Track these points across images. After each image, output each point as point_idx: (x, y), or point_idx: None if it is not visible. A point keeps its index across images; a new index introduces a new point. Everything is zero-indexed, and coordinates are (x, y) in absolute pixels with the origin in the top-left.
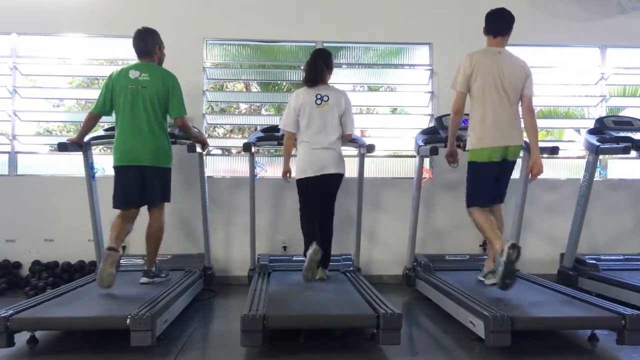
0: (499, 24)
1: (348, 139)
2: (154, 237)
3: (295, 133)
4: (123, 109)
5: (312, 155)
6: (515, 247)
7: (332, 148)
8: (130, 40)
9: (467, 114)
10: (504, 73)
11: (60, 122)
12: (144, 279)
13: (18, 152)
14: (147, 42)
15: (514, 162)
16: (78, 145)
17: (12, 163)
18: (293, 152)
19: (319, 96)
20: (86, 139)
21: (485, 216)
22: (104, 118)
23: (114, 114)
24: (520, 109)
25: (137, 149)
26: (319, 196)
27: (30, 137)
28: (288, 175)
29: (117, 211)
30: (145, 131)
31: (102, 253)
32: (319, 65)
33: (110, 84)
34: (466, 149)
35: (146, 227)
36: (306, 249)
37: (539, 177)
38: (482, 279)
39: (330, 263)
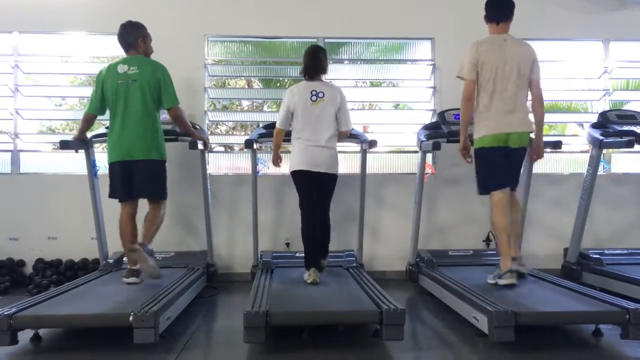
0: (500, 10)
1: (345, 135)
2: (153, 220)
3: (285, 129)
4: (115, 104)
5: (307, 152)
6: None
7: (327, 147)
8: None
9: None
10: (511, 60)
11: (62, 120)
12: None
13: (20, 151)
14: (129, 34)
15: (520, 150)
16: (81, 141)
17: (15, 161)
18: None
19: (314, 92)
20: (88, 136)
21: (504, 217)
22: (105, 116)
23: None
24: (529, 95)
25: (129, 144)
26: (314, 189)
27: (32, 135)
28: (279, 160)
29: (118, 211)
30: (137, 125)
31: (105, 250)
32: (321, 58)
33: (100, 81)
34: (473, 137)
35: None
36: (306, 261)
37: (543, 173)
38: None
39: (333, 259)
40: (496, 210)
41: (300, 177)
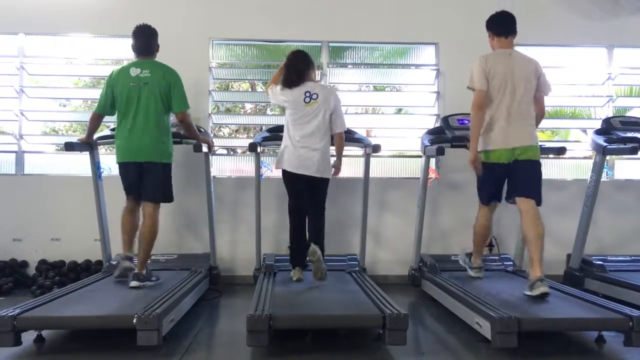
0: (506, 25)
1: (340, 138)
2: (147, 238)
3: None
4: (125, 107)
5: (296, 151)
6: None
7: (318, 149)
8: None
9: (468, 113)
10: (518, 74)
11: (66, 121)
12: (134, 283)
13: (25, 152)
14: (151, 42)
15: (531, 161)
16: (87, 144)
17: (19, 162)
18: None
19: (307, 94)
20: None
21: (484, 223)
22: (109, 117)
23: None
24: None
25: (137, 146)
26: (304, 193)
27: (37, 136)
28: None
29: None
30: (145, 128)
31: (108, 252)
32: (298, 67)
33: (111, 82)
34: (477, 149)
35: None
36: (291, 257)
37: (546, 179)
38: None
39: (336, 263)
40: (477, 221)
41: (289, 178)
